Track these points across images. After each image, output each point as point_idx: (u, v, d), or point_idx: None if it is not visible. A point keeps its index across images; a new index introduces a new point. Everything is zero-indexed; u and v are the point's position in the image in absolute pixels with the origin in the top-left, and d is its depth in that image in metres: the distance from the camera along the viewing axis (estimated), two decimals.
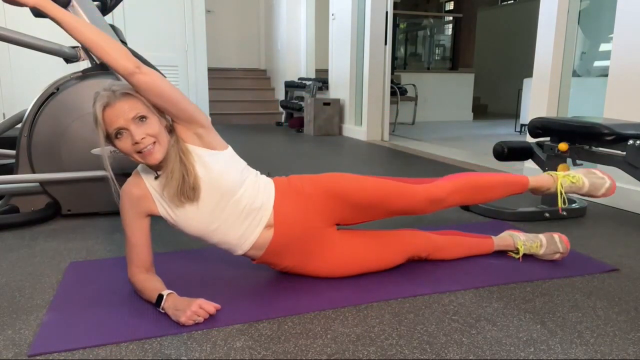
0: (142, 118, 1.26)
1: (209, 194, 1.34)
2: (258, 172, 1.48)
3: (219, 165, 1.34)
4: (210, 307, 1.27)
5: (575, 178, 1.69)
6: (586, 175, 1.71)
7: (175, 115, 1.30)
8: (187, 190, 1.31)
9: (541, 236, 1.71)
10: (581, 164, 2.25)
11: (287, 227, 1.43)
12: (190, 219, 1.36)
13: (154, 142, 1.27)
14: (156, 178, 1.36)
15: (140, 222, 1.38)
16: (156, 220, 1.41)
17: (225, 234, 1.39)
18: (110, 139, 1.28)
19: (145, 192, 1.37)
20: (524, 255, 1.73)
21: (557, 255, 1.69)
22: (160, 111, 1.30)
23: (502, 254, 1.76)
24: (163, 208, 1.37)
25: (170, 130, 1.34)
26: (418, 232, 1.63)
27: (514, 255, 1.73)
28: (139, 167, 1.41)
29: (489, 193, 1.64)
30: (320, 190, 1.47)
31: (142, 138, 1.25)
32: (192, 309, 1.24)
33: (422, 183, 1.60)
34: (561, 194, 1.69)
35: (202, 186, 1.33)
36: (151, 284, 1.36)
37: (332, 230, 1.51)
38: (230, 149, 1.40)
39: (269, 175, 1.54)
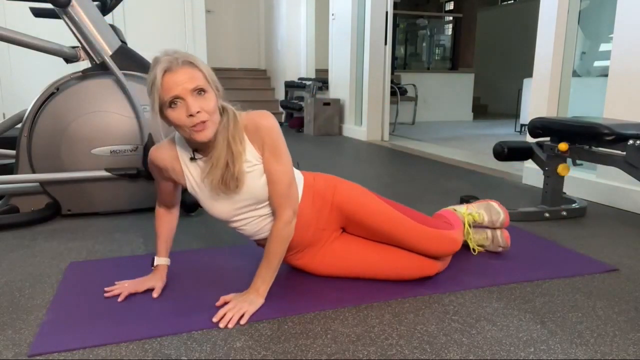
0: (201, 91, 1.20)
1: (242, 197, 1.35)
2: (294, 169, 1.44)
3: (263, 177, 1.34)
4: (127, 290, 1.41)
5: (477, 215, 1.74)
6: (486, 209, 1.75)
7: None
8: (228, 179, 1.29)
9: (489, 232, 1.76)
10: (581, 164, 2.25)
11: (300, 227, 1.43)
12: (214, 207, 1.37)
13: (208, 120, 1.22)
14: (192, 159, 1.34)
15: (167, 184, 1.43)
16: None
17: (242, 226, 1.42)
18: (162, 107, 1.22)
19: (176, 165, 1.37)
20: (524, 255, 1.74)
21: (499, 249, 1.76)
22: (218, 89, 1.27)
23: (503, 254, 1.76)
24: (191, 186, 1.38)
25: (222, 111, 1.30)
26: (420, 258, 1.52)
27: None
28: (176, 137, 1.38)
29: None
30: (337, 202, 1.46)
31: (198, 112, 1.19)
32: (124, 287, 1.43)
33: (436, 224, 1.55)
34: (469, 233, 1.75)
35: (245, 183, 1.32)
36: (161, 233, 1.48)
37: (338, 235, 1.53)
38: None
39: (298, 166, 1.51)
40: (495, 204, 1.75)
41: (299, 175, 1.46)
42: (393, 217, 1.45)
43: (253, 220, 1.40)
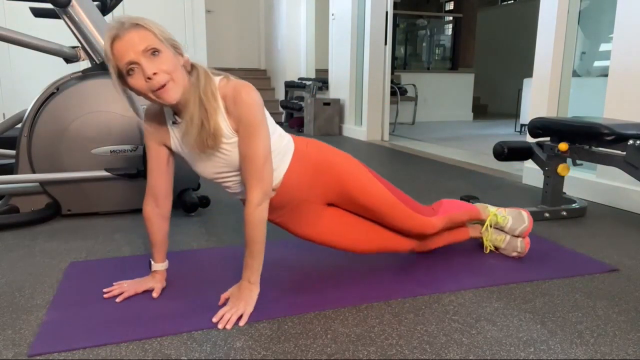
0: (154, 52, 1.16)
1: (220, 163, 1.32)
2: (282, 134, 1.41)
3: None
4: (127, 293, 1.41)
5: (501, 218, 1.78)
6: (514, 217, 1.77)
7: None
8: (206, 137, 1.24)
9: (508, 237, 1.76)
10: (581, 164, 2.25)
11: (289, 192, 1.42)
12: (198, 167, 1.36)
13: (169, 80, 1.17)
14: (174, 123, 1.33)
15: (158, 148, 1.37)
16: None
17: (226, 186, 1.40)
18: (123, 77, 1.19)
19: (163, 124, 1.35)
20: (525, 255, 1.74)
21: (514, 253, 1.74)
22: (177, 47, 1.22)
23: (502, 254, 1.77)
24: (176, 147, 1.37)
25: (191, 69, 1.27)
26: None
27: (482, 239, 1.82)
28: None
29: (456, 224, 1.74)
30: (330, 173, 1.44)
31: (154, 73, 1.15)
32: (123, 287, 1.43)
33: (419, 209, 1.60)
34: (487, 232, 1.79)
35: (230, 148, 1.29)
36: (155, 240, 1.45)
37: (323, 206, 1.51)
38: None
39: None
40: (525, 213, 1.76)
41: (289, 140, 1.42)
42: (384, 196, 1.49)
43: (235, 183, 1.39)
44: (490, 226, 1.78)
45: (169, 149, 1.39)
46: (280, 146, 1.37)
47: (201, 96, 1.22)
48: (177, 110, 1.30)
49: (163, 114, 1.36)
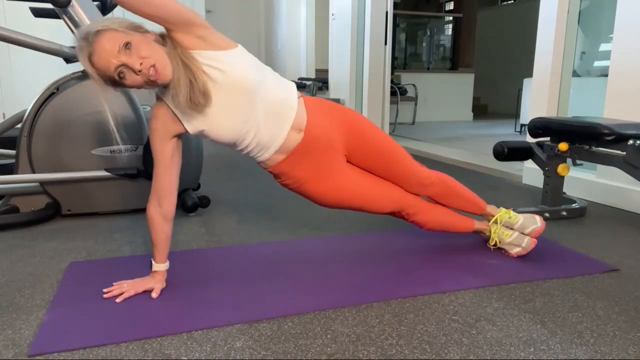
0: (127, 45, 1.22)
1: (236, 96, 1.34)
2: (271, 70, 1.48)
3: (238, 65, 1.32)
4: (127, 294, 1.39)
5: (514, 217, 1.80)
6: (526, 217, 1.80)
7: (167, 21, 1.25)
8: (196, 96, 1.28)
9: (516, 233, 1.76)
10: (581, 164, 2.25)
11: (316, 130, 1.48)
12: (222, 125, 1.37)
13: (155, 62, 1.24)
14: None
15: (162, 145, 1.39)
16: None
17: (256, 134, 1.41)
18: (117, 83, 1.26)
19: (169, 113, 1.36)
20: (523, 255, 1.74)
21: (517, 249, 1.74)
22: (139, 28, 1.28)
23: (502, 254, 1.77)
24: (189, 123, 1.37)
25: (162, 38, 1.31)
26: (410, 193, 1.71)
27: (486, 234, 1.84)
28: (156, 91, 1.39)
29: (456, 199, 1.77)
30: (342, 111, 1.57)
31: (141, 64, 1.22)
32: (123, 287, 1.41)
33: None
34: (496, 227, 1.80)
35: (226, 89, 1.32)
36: (158, 242, 1.43)
37: (344, 159, 1.60)
38: (240, 46, 1.38)
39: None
40: (537, 217, 1.79)
41: (295, 90, 1.49)
42: (387, 135, 1.64)
43: (267, 119, 1.40)
44: (499, 222, 1.80)
45: (179, 139, 1.41)
46: (277, 76, 1.46)
47: (182, 58, 1.28)
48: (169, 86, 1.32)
49: (167, 106, 1.37)
